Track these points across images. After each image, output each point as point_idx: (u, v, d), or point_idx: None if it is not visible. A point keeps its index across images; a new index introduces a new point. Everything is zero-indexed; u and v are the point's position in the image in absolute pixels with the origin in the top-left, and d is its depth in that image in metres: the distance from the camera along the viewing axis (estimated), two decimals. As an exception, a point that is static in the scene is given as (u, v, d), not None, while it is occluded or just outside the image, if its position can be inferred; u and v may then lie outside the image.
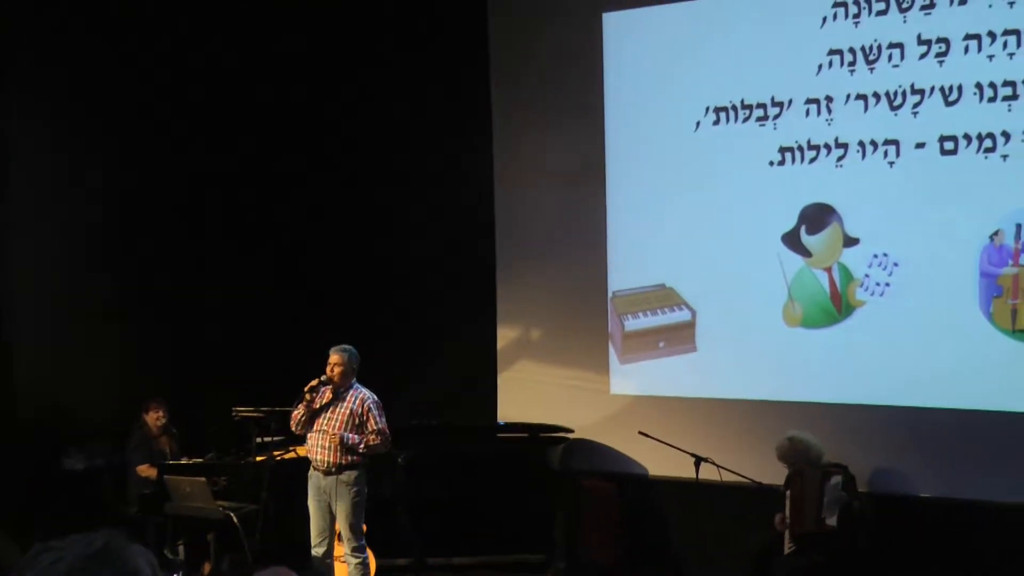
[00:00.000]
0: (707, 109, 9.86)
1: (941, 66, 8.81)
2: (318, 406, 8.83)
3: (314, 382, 8.80)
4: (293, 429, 8.99)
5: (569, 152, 10.57)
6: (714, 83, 9.81)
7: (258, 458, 9.60)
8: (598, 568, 10.21)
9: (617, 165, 10.33)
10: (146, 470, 10.10)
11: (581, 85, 10.48)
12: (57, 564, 2.07)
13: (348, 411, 8.76)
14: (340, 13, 11.58)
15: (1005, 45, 8.59)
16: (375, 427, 8.75)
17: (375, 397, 8.87)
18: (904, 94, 8.95)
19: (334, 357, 8.81)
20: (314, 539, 8.88)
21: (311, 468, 8.89)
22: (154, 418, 10.31)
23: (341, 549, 8.98)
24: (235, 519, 9.09)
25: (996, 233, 8.63)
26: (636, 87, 10.22)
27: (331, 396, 8.84)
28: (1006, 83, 8.59)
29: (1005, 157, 8.59)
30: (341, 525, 8.81)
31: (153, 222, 11.26)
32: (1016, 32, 8.55)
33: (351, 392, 8.82)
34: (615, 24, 10.33)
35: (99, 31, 10.92)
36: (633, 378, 10.30)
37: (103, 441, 10.63)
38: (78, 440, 10.59)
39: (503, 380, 10.99)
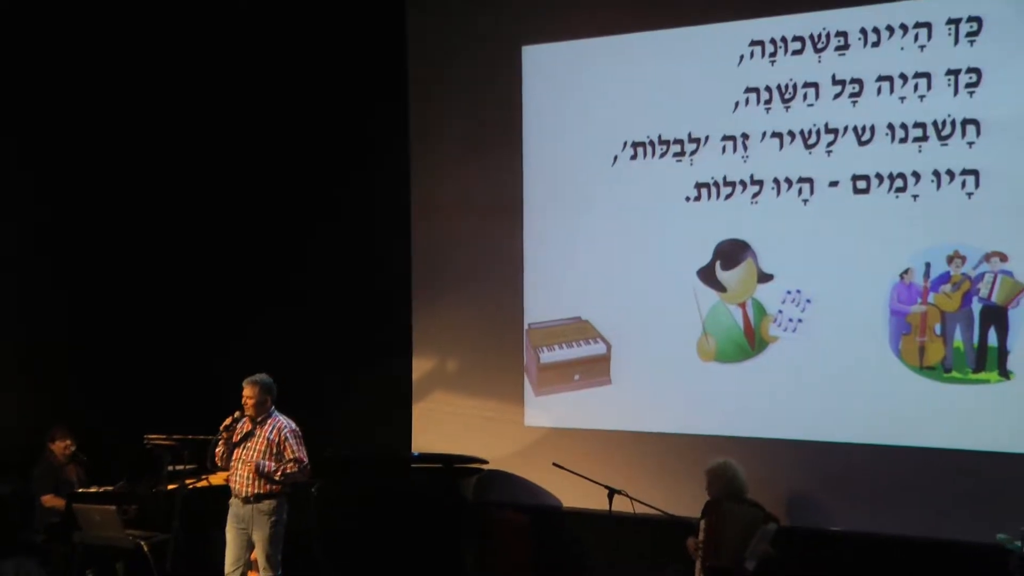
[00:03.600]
0: (624, 144, 9.94)
1: (854, 106, 8.98)
2: (237, 439, 8.78)
3: (228, 420, 8.77)
4: (218, 463, 8.91)
5: (487, 184, 10.60)
6: (632, 118, 9.90)
7: (170, 486, 9.49)
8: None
9: (534, 198, 10.37)
10: (51, 500, 9.95)
11: (499, 117, 10.52)
12: None
13: (265, 441, 8.71)
14: (255, 35, 11.56)
15: (916, 87, 8.77)
16: (291, 455, 8.70)
17: (292, 426, 8.82)
18: (818, 133, 9.11)
19: (246, 390, 8.77)
20: (228, 567, 8.79)
21: (232, 497, 8.81)
22: (62, 447, 10.17)
23: (256, 579, 8.92)
24: (146, 548, 8.99)
25: (906, 271, 8.78)
26: (554, 120, 10.28)
27: (249, 426, 8.79)
28: (916, 124, 8.77)
29: (916, 197, 8.76)
30: (258, 554, 8.74)
31: (57, 244, 11.10)
32: (927, 75, 8.73)
33: (269, 421, 8.77)
34: (534, 57, 10.39)
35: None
36: (548, 410, 10.32)
37: (9, 469, 10.44)
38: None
39: (418, 411, 10.97)
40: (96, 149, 11.25)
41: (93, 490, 9.90)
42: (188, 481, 9.47)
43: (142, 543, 9.03)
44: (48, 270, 11.01)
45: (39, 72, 10.89)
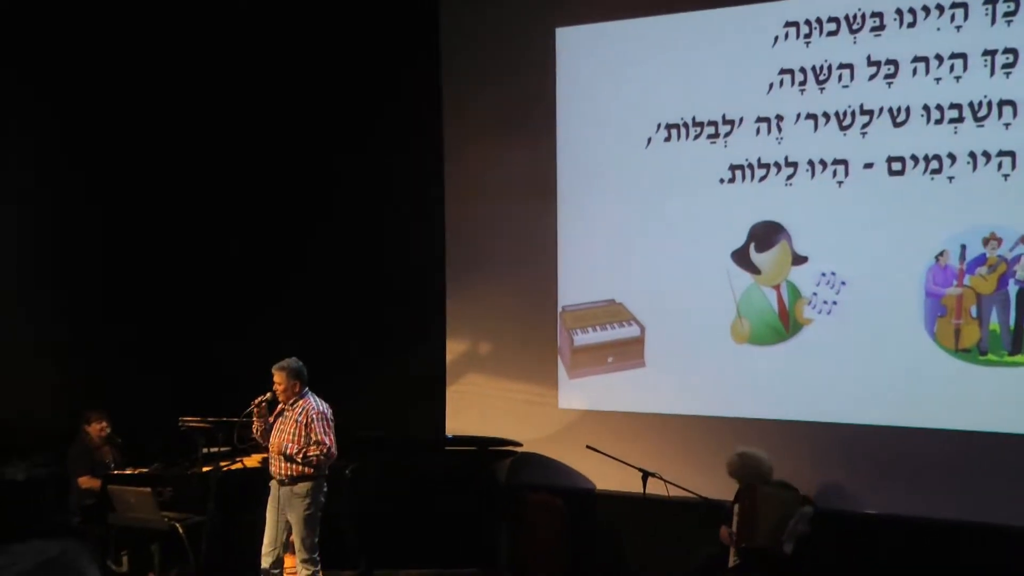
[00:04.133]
0: (659, 126, 9.91)
1: (890, 87, 8.91)
2: (273, 419, 8.86)
3: (258, 399, 8.87)
4: (258, 439, 9.04)
5: (520, 167, 10.59)
6: (666, 100, 9.86)
7: (204, 468, 9.53)
8: (543, 582, 10.22)
9: (568, 180, 10.36)
10: (87, 481, 10.01)
11: (533, 100, 10.50)
12: (9, 569, 2.05)
13: (294, 423, 8.80)
14: (290, 25, 11.57)
15: (952, 68, 8.69)
16: (315, 438, 8.76)
17: (321, 408, 8.88)
18: (853, 114, 9.05)
19: (275, 376, 8.89)
20: (264, 547, 8.88)
21: (271, 478, 8.90)
22: (98, 429, 10.21)
23: (292, 561, 8.97)
24: (181, 530, 9.04)
25: (941, 254, 8.72)
26: (588, 102, 10.26)
27: (282, 407, 8.87)
28: (952, 106, 8.70)
29: (951, 179, 8.70)
30: (294, 536, 8.82)
31: (94, 228, 11.15)
32: (963, 56, 8.66)
33: (300, 403, 8.86)
34: (568, 39, 10.36)
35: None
36: (581, 393, 10.32)
37: (45, 451, 10.52)
38: (19, 450, 10.48)
39: (451, 394, 10.99)
40: (119, 134, 11.28)
41: (128, 472, 9.95)
42: (222, 463, 9.51)
43: (177, 525, 9.09)
44: (83, 255, 11.06)
45: (53, 62, 10.93)
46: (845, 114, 9.09)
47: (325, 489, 8.93)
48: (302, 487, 8.78)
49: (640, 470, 8.74)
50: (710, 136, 9.69)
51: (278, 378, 8.84)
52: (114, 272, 11.24)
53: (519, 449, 10.38)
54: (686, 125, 9.80)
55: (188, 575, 9.07)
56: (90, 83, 11.05)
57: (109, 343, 11.11)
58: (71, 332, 10.96)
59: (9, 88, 10.66)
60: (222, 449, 9.54)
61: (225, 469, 9.50)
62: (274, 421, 8.90)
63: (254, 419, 8.91)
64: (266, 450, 9.04)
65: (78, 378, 10.86)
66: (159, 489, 9.42)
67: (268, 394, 8.87)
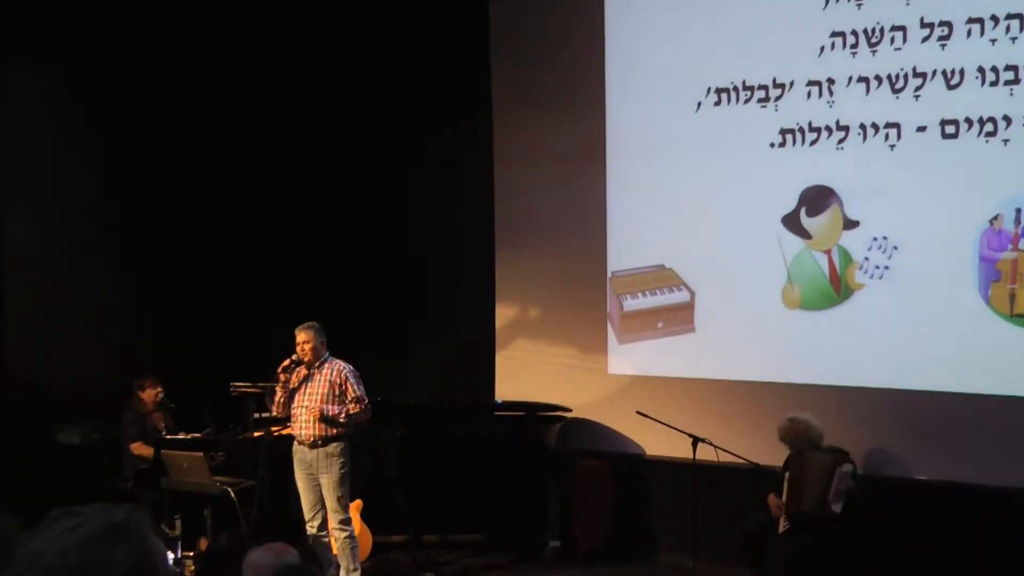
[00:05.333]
0: (708, 90, 9.84)
1: (943, 49, 8.80)
2: (294, 385, 8.88)
3: (285, 362, 8.87)
4: (274, 413, 9.05)
5: (570, 132, 10.55)
6: (716, 64, 9.79)
7: (255, 434, 9.60)
8: (593, 546, 10.23)
9: (618, 146, 10.31)
10: (139, 448, 10.09)
11: (582, 66, 10.45)
12: (74, 531, 2.07)
13: (327, 383, 8.84)
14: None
15: (1008, 29, 8.56)
16: (354, 395, 8.81)
17: (351, 367, 8.94)
18: (906, 77, 8.94)
19: (301, 336, 8.87)
20: (307, 514, 8.92)
21: (295, 443, 8.93)
22: (151, 395, 10.28)
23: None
24: (232, 494, 9.11)
25: (996, 218, 8.62)
26: (637, 68, 10.20)
27: (306, 372, 8.87)
28: (1008, 67, 8.57)
29: (1006, 142, 8.58)
30: (327, 498, 8.83)
31: (148, 197, 11.20)
32: (1019, 16, 8.52)
33: (327, 364, 8.89)
34: (617, 4, 10.30)
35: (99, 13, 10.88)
36: (631, 358, 10.30)
37: (99, 416, 10.62)
38: (74, 415, 10.58)
39: (501, 359, 11.00)
40: (167, 96, 11.32)
41: (181, 437, 10.02)
42: (273, 428, 9.57)
43: (229, 489, 9.15)
44: (135, 223, 11.11)
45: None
46: (898, 77, 8.98)
47: (350, 448, 8.97)
48: (335, 447, 8.83)
49: (690, 436, 8.74)
50: (760, 100, 9.61)
51: (304, 337, 8.84)
52: (167, 240, 11.28)
53: (568, 415, 10.39)
54: (736, 89, 9.73)
55: (240, 539, 9.13)
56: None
57: (162, 309, 11.18)
58: (125, 299, 11.03)
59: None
60: (272, 414, 9.58)
61: (276, 434, 9.55)
62: (298, 386, 8.91)
63: (278, 388, 8.92)
64: (284, 421, 9.07)
65: (131, 344, 10.94)
66: (211, 454, 9.49)
67: (293, 356, 8.87)
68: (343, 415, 8.78)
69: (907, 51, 8.94)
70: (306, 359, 8.84)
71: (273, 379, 8.93)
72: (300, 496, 8.96)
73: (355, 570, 8.85)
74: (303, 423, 8.84)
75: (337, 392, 8.81)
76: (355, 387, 8.84)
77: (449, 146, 11.23)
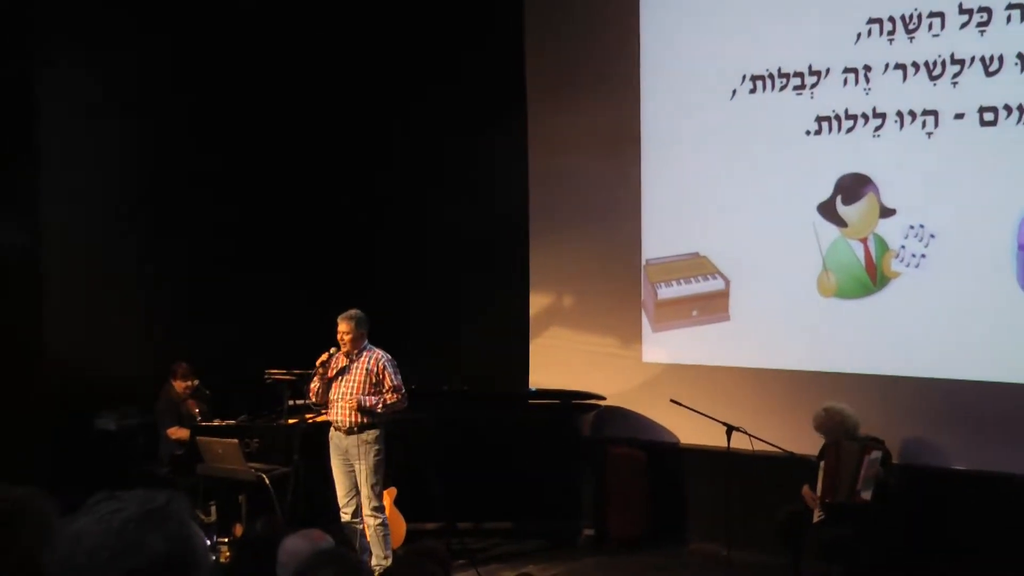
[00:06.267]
0: (744, 77, 9.80)
1: (982, 36, 8.72)
2: (333, 374, 8.91)
3: (324, 356, 8.92)
4: (312, 400, 9.09)
5: (604, 119, 10.53)
6: (751, 51, 9.75)
7: (290, 421, 9.63)
8: (627, 535, 10.22)
9: (652, 133, 10.28)
10: (177, 432, 10.15)
11: (617, 52, 10.43)
12: (114, 515, 2.09)
13: (364, 371, 8.87)
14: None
15: (1048, 15, 8.50)
16: (391, 384, 8.84)
17: (389, 356, 8.97)
18: (944, 64, 8.87)
19: (341, 325, 8.90)
20: (341, 500, 8.97)
21: (332, 429, 8.97)
22: (184, 382, 10.33)
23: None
24: (267, 481, 9.13)
25: (1034, 205, 8.56)
26: (672, 54, 10.16)
27: (345, 361, 8.90)
28: (1049, 54, 8.51)
29: (1046, 129, 8.52)
30: (362, 485, 8.87)
31: (185, 185, 11.24)
32: (1059, 2, 8.46)
33: (365, 353, 8.92)
34: (652, -10, 10.28)
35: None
36: (666, 346, 10.28)
37: (135, 402, 10.67)
38: (110, 401, 10.64)
39: (535, 347, 10.99)
40: (201, 91, 11.36)
41: (216, 423, 10.07)
42: (307, 416, 9.60)
43: (264, 476, 9.18)
44: (171, 211, 11.15)
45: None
46: (935, 64, 8.92)
47: (384, 435, 8.99)
48: (370, 434, 8.86)
49: (724, 424, 8.71)
50: (796, 87, 9.56)
51: (345, 327, 8.88)
52: (203, 228, 11.32)
53: (602, 402, 10.38)
54: (772, 76, 9.69)
55: (275, 525, 9.16)
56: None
57: (198, 297, 11.22)
58: (161, 286, 11.07)
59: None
60: (307, 401, 9.61)
61: (310, 421, 9.59)
62: (335, 375, 8.94)
63: (316, 378, 8.96)
64: (319, 409, 9.09)
65: (168, 331, 10.99)
66: (246, 440, 9.53)
67: (332, 348, 8.92)
68: (380, 405, 8.81)
69: (945, 37, 8.87)
70: (345, 348, 8.87)
71: (313, 371, 8.96)
72: (335, 482, 8.99)
73: (386, 558, 8.88)
74: (340, 410, 8.89)
75: (374, 381, 8.84)
76: (392, 377, 8.87)
77: (483, 133, 11.20)
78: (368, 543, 8.99)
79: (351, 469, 8.92)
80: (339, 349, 8.92)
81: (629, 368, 10.45)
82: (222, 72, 11.38)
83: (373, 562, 8.88)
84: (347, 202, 11.76)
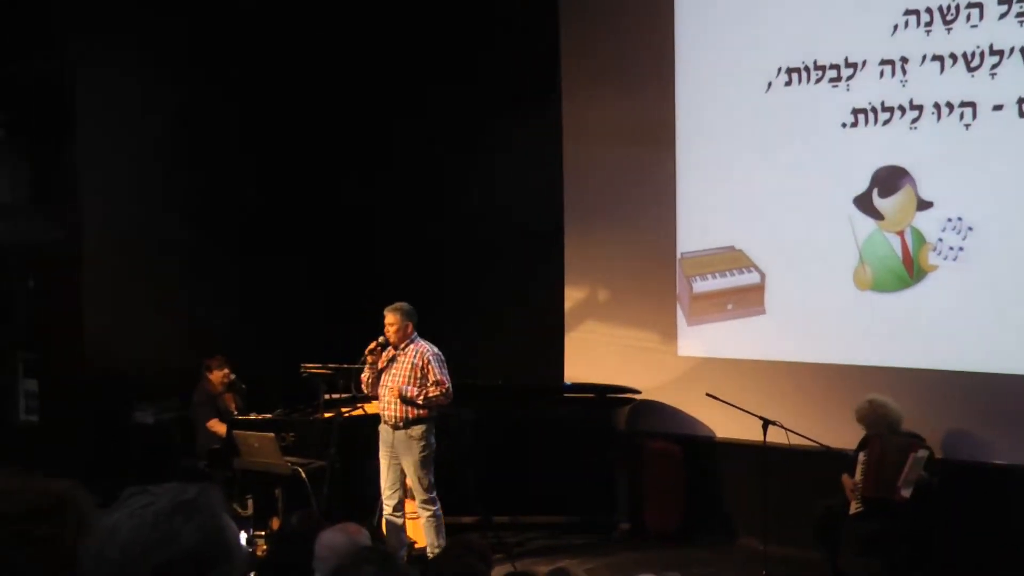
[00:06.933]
0: (779, 70, 9.76)
1: (1021, 26, 8.65)
2: (382, 365, 8.93)
3: (372, 344, 8.94)
4: (365, 391, 9.12)
5: (639, 112, 10.50)
6: (786, 44, 9.70)
7: (326, 415, 9.65)
8: (662, 529, 10.21)
9: (687, 125, 10.25)
10: (216, 425, 10.20)
11: (652, 44, 10.40)
12: (147, 508, 2.10)
13: (409, 365, 8.89)
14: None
15: (1090, 5, 8.42)
16: (434, 378, 8.84)
17: (435, 349, 8.97)
18: (982, 55, 8.80)
19: (387, 318, 8.94)
20: (384, 492, 9.02)
21: (381, 422, 8.98)
22: (220, 376, 10.38)
23: (412, 506, 9.08)
24: (303, 475, 9.17)
25: (1074, 197, 8.49)
26: (708, 46, 10.13)
27: (393, 353, 8.92)
28: (1089, 44, 8.44)
29: (1085, 120, 8.44)
30: (410, 479, 8.93)
31: (223, 180, 11.29)
32: (1099, -8, 8.38)
33: (411, 347, 8.94)
34: (687, -17, 10.24)
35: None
36: (701, 340, 10.25)
37: (172, 396, 10.74)
38: (148, 394, 10.70)
39: (570, 341, 10.98)
40: (239, 90, 11.40)
41: (253, 417, 10.11)
42: (343, 410, 9.63)
43: (300, 470, 9.21)
44: (208, 207, 11.20)
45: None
46: (973, 55, 8.85)
47: (434, 430, 9.00)
48: (416, 430, 8.88)
49: (760, 418, 8.69)
50: (832, 80, 9.51)
51: (391, 319, 8.91)
52: (239, 223, 11.37)
53: (638, 396, 10.37)
54: (807, 69, 9.63)
55: (312, 519, 9.18)
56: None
57: (235, 291, 11.27)
58: (198, 281, 11.12)
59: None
60: (343, 395, 9.64)
61: (346, 415, 9.61)
62: (385, 367, 8.96)
63: (366, 367, 8.99)
64: (373, 399, 9.12)
65: (203, 324, 11.04)
66: (282, 434, 9.56)
67: (380, 338, 8.94)
68: (421, 397, 8.82)
69: (984, 28, 8.80)
70: (391, 340, 8.90)
71: (361, 360, 8.99)
72: (380, 473, 9.03)
73: (438, 546, 8.91)
74: (387, 403, 8.93)
75: (419, 375, 8.87)
76: (437, 371, 8.89)
77: (518, 125, 11.18)
78: (406, 538, 9.08)
79: (397, 462, 8.97)
80: (385, 341, 8.95)
81: (664, 362, 10.43)
82: (259, 67, 11.43)
83: (428, 550, 8.93)
84: (382, 197, 11.77)
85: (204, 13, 11.06)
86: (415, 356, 8.90)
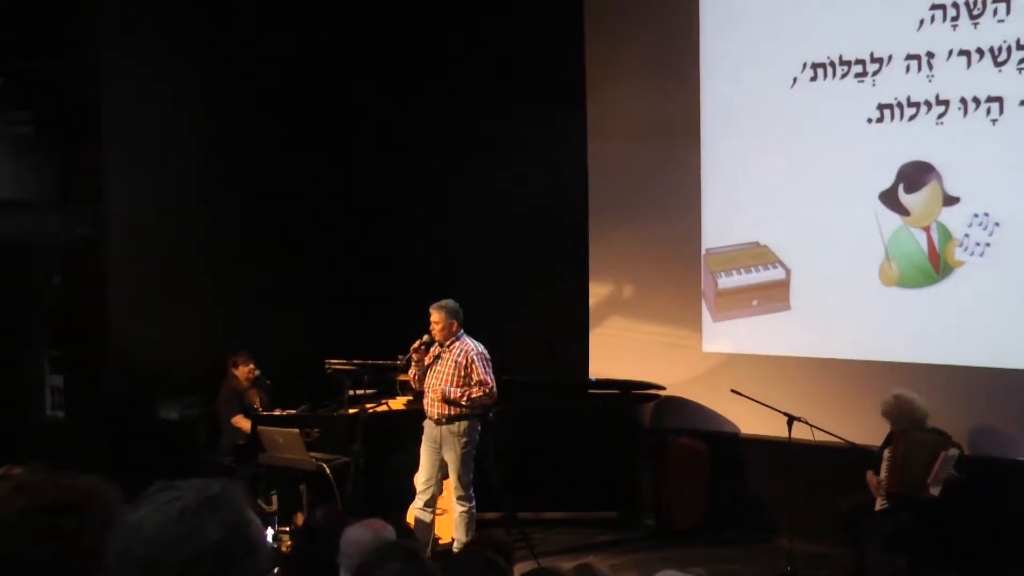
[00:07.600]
0: (804, 65, 9.73)
1: (1050, 21, 8.62)
2: (429, 362, 8.95)
3: (416, 343, 8.97)
4: (413, 385, 9.20)
5: (664, 107, 10.48)
6: (812, 39, 9.67)
7: (350, 411, 9.67)
8: (687, 525, 10.20)
9: (712, 121, 10.23)
10: (241, 420, 10.22)
11: (677, 39, 10.38)
12: (172, 503, 2.11)
13: (453, 363, 8.89)
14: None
15: (1116, 0, 8.37)
16: (478, 378, 8.85)
17: (480, 348, 8.97)
18: (1009, 50, 8.76)
19: (433, 315, 8.94)
20: (420, 485, 9.04)
21: (426, 417, 9.03)
22: (245, 372, 10.40)
23: (442, 502, 9.10)
24: (328, 471, 9.18)
25: (1101, 193, 8.44)
26: (733, 42, 10.10)
27: (439, 350, 8.95)
28: (1116, 39, 8.38)
29: (1112, 115, 8.39)
30: (451, 474, 8.95)
31: (250, 175, 11.31)
32: None
33: (457, 344, 8.94)
34: (712, -22, 10.22)
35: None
36: (726, 336, 10.24)
37: (197, 392, 10.76)
38: (173, 391, 10.74)
39: (595, 336, 10.97)
40: (269, 79, 11.41)
41: (277, 413, 10.12)
42: (368, 405, 9.64)
43: (324, 466, 9.22)
44: (234, 202, 11.23)
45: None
46: (1000, 50, 8.81)
47: (479, 428, 9.03)
48: (459, 426, 8.90)
49: (785, 414, 8.66)
50: (858, 75, 9.48)
51: (436, 317, 8.91)
52: (265, 219, 11.39)
53: (663, 392, 10.36)
54: (833, 64, 9.60)
55: (336, 515, 9.19)
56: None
57: (258, 287, 11.29)
58: (223, 277, 11.15)
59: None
60: (368, 391, 9.65)
61: (371, 411, 9.62)
62: (431, 364, 8.98)
63: (412, 364, 9.01)
64: (421, 394, 9.14)
65: (228, 321, 11.06)
66: (307, 430, 9.57)
67: (425, 336, 8.96)
68: (464, 398, 8.84)
69: (1011, 23, 8.76)
70: (436, 338, 8.93)
71: (407, 358, 9.03)
72: (419, 466, 9.07)
73: (464, 543, 8.93)
74: (431, 400, 8.96)
75: (463, 374, 8.87)
76: (481, 370, 8.89)
77: (543, 120, 11.17)
78: (434, 536, 9.10)
79: (438, 457, 9.00)
80: (430, 341, 8.98)
81: (689, 358, 10.41)
82: (287, 64, 11.44)
83: (454, 545, 8.95)
84: (407, 194, 11.78)
85: (234, 12, 11.07)
86: (459, 354, 8.90)
